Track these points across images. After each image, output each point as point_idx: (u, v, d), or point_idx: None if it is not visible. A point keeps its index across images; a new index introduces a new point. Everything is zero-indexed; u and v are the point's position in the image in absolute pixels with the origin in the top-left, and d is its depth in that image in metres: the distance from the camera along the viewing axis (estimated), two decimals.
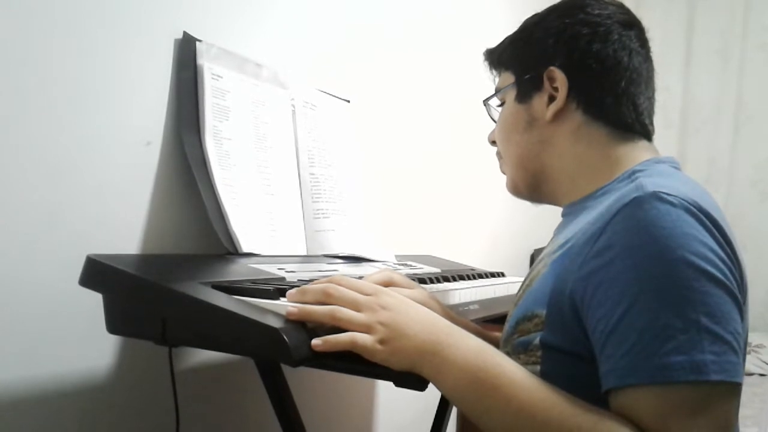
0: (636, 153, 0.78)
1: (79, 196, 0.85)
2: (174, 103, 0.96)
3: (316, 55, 1.27)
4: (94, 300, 0.76)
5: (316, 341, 0.60)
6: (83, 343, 0.86)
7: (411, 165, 1.62)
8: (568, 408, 0.60)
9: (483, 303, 1.01)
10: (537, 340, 0.69)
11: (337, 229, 1.11)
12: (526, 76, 0.83)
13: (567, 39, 0.80)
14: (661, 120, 2.98)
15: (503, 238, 2.15)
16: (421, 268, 1.17)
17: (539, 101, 0.82)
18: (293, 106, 1.14)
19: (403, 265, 1.16)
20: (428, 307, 0.70)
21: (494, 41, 0.93)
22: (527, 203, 0.93)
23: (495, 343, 0.83)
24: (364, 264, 1.07)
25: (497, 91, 0.90)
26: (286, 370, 0.87)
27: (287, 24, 1.19)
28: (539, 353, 0.69)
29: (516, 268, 2.26)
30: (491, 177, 2.07)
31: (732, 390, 0.58)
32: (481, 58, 0.94)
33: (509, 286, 1.18)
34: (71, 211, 0.84)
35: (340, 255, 1.07)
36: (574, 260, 0.66)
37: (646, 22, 0.84)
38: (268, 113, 1.08)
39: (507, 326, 0.77)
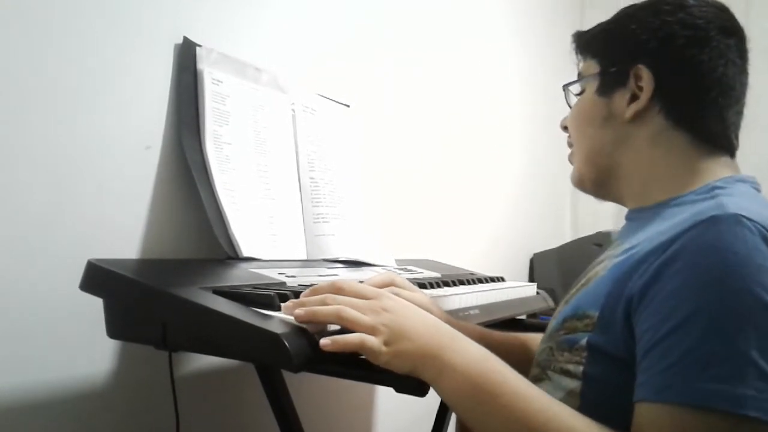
0: (717, 168, 0.74)
1: (79, 200, 0.85)
2: (174, 107, 0.96)
3: (316, 59, 1.27)
4: (95, 304, 0.76)
5: (324, 341, 0.60)
6: (83, 348, 0.86)
7: (410, 169, 1.62)
8: (567, 421, 0.59)
9: (483, 308, 1.01)
10: (584, 341, 0.68)
11: (337, 233, 1.11)
12: (612, 69, 0.80)
13: (662, 38, 0.75)
14: None
15: (503, 242, 2.15)
16: (421, 273, 1.17)
17: (620, 98, 0.78)
18: (293, 110, 1.14)
19: (402, 269, 1.16)
20: (429, 312, 0.70)
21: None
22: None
23: (497, 344, 0.83)
24: (364, 268, 1.07)
25: (579, 77, 0.86)
26: (287, 375, 0.87)
27: (287, 29, 1.19)
28: (585, 354, 0.67)
29: (516, 273, 2.26)
30: (491, 181, 2.07)
31: (765, 431, 0.55)
32: (570, 40, 0.88)
33: (509, 290, 1.18)
34: (71, 215, 0.84)
35: (340, 259, 1.07)
36: (636, 267, 0.64)
37: None
38: (268, 118, 1.08)
39: (554, 321, 0.75)
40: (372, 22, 1.45)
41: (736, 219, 0.59)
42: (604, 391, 0.63)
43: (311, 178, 1.13)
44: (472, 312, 0.97)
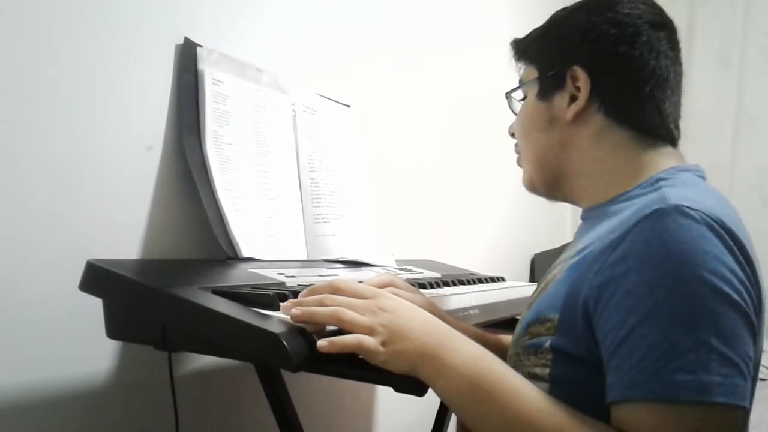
0: (660, 159, 0.76)
1: (79, 201, 0.85)
2: (175, 108, 0.96)
3: (316, 59, 1.27)
4: (94, 305, 0.76)
5: (321, 342, 0.60)
6: (83, 348, 0.86)
7: (411, 169, 1.62)
8: (564, 419, 0.59)
9: (483, 308, 1.01)
10: (548, 344, 0.68)
11: (337, 233, 1.11)
12: (549, 73, 0.81)
13: (593, 38, 0.77)
14: None
15: (503, 242, 2.15)
16: (421, 273, 1.17)
17: (560, 100, 0.79)
18: (293, 110, 1.15)
19: (402, 269, 1.16)
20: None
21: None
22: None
23: (496, 347, 0.83)
24: (364, 269, 1.07)
25: (520, 84, 0.88)
26: (286, 375, 0.87)
27: (287, 29, 1.19)
28: (549, 356, 0.68)
29: (516, 273, 2.26)
30: (491, 181, 2.07)
31: (737, 414, 0.57)
32: (508, 47, 0.90)
33: (509, 290, 1.18)
34: (72, 215, 0.84)
35: (340, 260, 1.07)
36: (590, 268, 0.65)
37: None
38: (269, 118, 1.08)
39: (518, 327, 0.76)
40: (372, 23, 1.46)
41: (679, 209, 0.60)
42: (571, 392, 0.64)
43: (311, 179, 1.13)
44: (472, 312, 0.97)
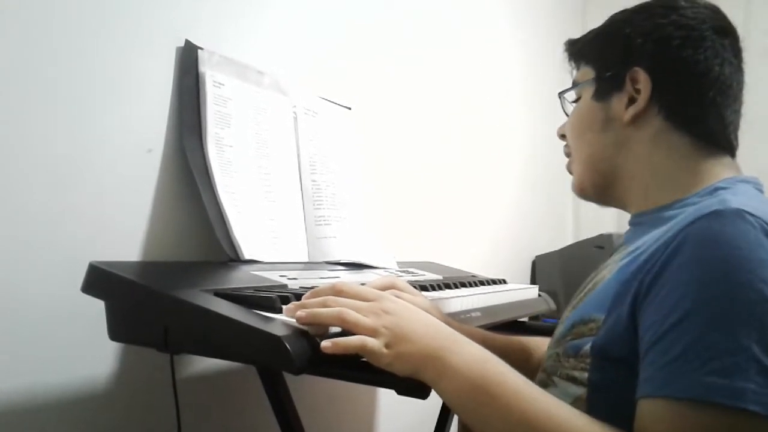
0: (719, 169, 0.74)
1: (80, 203, 0.85)
2: (176, 110, 0.96)
3: (317, 62, 1.27)
4: (96, 307, 0.76)
5: (325, 343, 0.60)
6: (85, 350, 0.86)
7: (412, 171, 1.62)
8: (569, 420, 0.59)
9: (485, 310, 1.01)
10: (588, 346, 0.68)
11: (339, 235, 1.11)
12: (608, 74, 0.80)
13: (656, 40, 0.75)
14: None
15: (505, 244, 2.15)
16: (423, 275, 1.17)
17: (618, 102, 0.78)
18: (294, 113, 1.15)
19: (404, 271, 1.16)
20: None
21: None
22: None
23: (503, 349, 0.82)
24: (365, 271, 1.07)
25: (575, 84, 0.86)
26: (288, 377, 0.87)
27: (288, 31, 1.19)
28: (588, 360, 0.67)
29: (517, 275, 2.26)
30: (492, 183, 2.07)
31: (767, 426, 0.54)
32: (562, 48, 0.88)
33: (510, 293, 1.17)
34: (73, 217, 0.84)
35: (342, 262, 1.07)
36: (642, 266, 0.64)
37: None
38: (270, 120, 1.08)
39: (562, 327, 0.75)
40: (373, 25, 1.46)
41: (738, 213, 0.59)
42: (609, 398, 0.63)
43: (313, 181, 1.13)
44: (473, 314, 0.97)
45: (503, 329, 1.16)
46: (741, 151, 0.82)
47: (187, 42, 0.97)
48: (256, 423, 1.10)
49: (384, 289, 0.78)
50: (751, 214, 0.59)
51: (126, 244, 0.90)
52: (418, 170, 1.65)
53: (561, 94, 0.89)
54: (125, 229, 0.90)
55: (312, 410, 1.23)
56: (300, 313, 0.62)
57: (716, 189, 0.70)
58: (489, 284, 1.25)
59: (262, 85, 1.08)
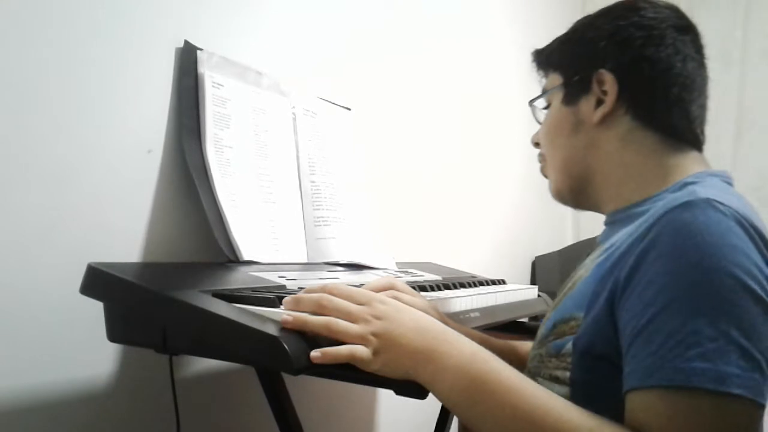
0: (687, 164, 0.76)
1: (79, 204, 0.85)
2: (175, 111, 0.96)
3: (317, 63, 1.27)
4: (95, 308, 0.76)
5: (314, 353, 0.60)
6: (83, 351, 0.86)
7: (411, 172, 1.62)
8: (565, 414, 0.59)
9: (484, 311, 1.01)
10: (569, 345, 0.68)
11: (338, 236, 1.11)
12: (575, 78, 0.81)
13: (619, 41, 0.77)
14: None
15: (504, 245, 2.15)
16: (422, 276, 1.17)
17: (587, 104, 0.80)
18: (294, 113, 1.15)
19: (403, 272, 1.16)
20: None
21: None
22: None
23: (502, 352, 0.82)
24: (365, 271, 1.07)
25: (544, 92, 0.88)
26: (287, 378, 0.87)
27: (288, 32, 1.19)
28: (569, 359, 0.68)
29: (517, 276, 2.26)
30: (492, 184, 2.07)
31: (752, 409, 0.55)
32: (530, 58, 0.91)
33: (510, 293, 1.17)
34: (72, 218, 0.84)
35: (341, 263, 1.07)
36: (617, 263, 0.65)
37: None
38: (269, 121, 1.08)
39: (544, 328, 0.76)
40: (373, 26, 1.46)
41: (709, 202, 0.60)
42: (591, 395, 0.63)
43: (312, 182, 1.13)
44: (472, 315, 0.97)
45: (502, 330, 1.16)
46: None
47: (187, 43, 0.97)
48: (255, 423, 1.10)
49: (382, 289, 0.78)
50: (721, 203, 0.60)
51: (125, 245, 0.90)
52: (417, 171, 1.65)
53: (531, 103, 0.91)
54: (124, 230, 0.90)
55: (311, 411, 1.23)
56: (286, 317, 0.62)
57: (685, 184, 0.72)
58: (488, 285, 1.25)
59: (261, 86, 1.08)
